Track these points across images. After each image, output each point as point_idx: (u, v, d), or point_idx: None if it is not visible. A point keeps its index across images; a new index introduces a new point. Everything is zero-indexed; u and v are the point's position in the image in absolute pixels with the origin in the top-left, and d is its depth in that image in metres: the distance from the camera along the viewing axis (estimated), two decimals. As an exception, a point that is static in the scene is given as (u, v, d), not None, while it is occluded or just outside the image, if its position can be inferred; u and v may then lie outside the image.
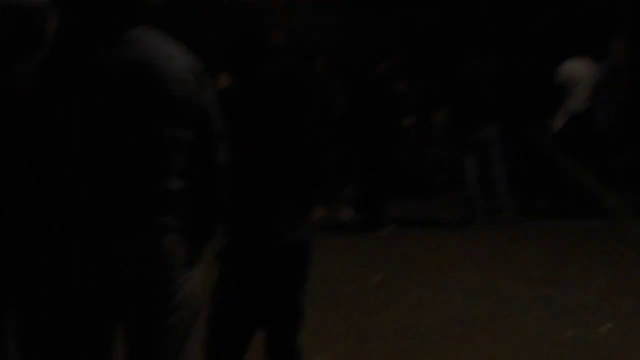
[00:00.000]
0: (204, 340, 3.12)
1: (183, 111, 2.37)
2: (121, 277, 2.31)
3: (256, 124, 3.17)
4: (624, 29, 9.05)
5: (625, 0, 9.91)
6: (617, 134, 8.42)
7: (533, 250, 6.83)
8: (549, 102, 8.06)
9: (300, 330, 3.33)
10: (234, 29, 3.34)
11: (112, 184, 2.30)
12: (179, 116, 2.37)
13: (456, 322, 4.97)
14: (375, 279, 5.95)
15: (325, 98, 7.87)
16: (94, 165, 2.29)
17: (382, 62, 8.27)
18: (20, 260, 2.40)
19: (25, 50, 2.52)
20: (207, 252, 2.66)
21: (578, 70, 7.99)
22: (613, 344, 4.57)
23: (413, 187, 9.62)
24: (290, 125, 3.21)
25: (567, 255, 6.62)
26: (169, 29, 2.48)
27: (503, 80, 8.08)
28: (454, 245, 7.09)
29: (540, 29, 10.04)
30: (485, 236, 7.42)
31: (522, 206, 8.13)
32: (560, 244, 7.06)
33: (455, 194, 8.46)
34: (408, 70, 9.26)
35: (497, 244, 7.12)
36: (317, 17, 10.86)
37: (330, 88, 8.20)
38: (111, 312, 2.34)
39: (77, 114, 2.28)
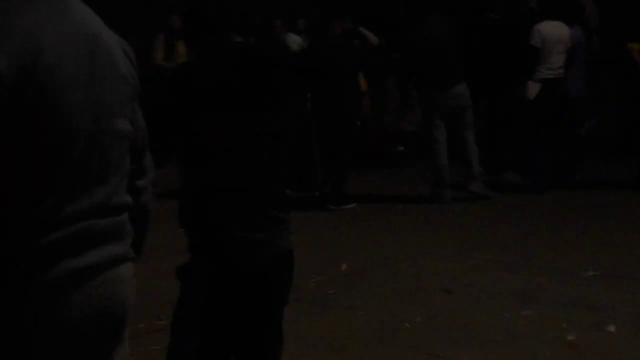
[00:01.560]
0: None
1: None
2: None
3: (229, 107, 2.54)
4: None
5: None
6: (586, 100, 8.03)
7: (511, 232, 6.29)
8: (521, 65, 7.50)
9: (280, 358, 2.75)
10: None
11: None
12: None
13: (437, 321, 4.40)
14: (342, 269, 5.35)
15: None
16: None
17: (337, 22, 7.59)
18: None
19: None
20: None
21: (554, 32, 7.43)
22: (619, 347, 4.06)
23: (374, 158, 9.09)
24: (271, 107, 2.58)
25: (547, 239, 6.09)
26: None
27: (469, 40, 7.55)
28: (426, 228, 6.51)
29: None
30: (458, 214, 6.88)
31: (493, 180, 7.64)
32: (537, 223, 6.55)
33: (420, 165, 7.93)
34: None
35: (472, 223, 6.57)
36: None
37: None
38: None
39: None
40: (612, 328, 4.22)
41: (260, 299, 2.70)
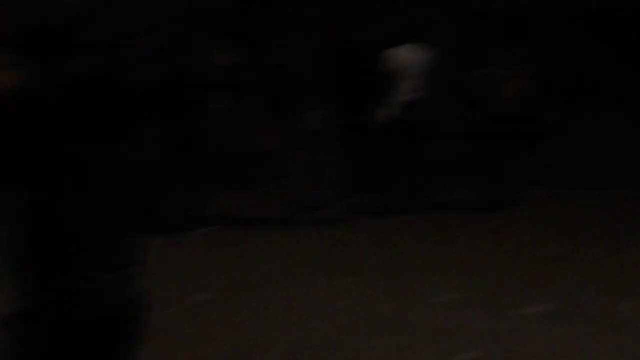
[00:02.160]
0: None
1: None
2: None
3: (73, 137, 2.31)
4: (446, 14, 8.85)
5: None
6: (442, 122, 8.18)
7: (374, 256, 6.24)
8: (375, 89, 7.57)
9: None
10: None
11: None
12: None
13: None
14: (195, 299, 5.10)
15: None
16: None
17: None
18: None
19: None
20: None
21: (409, 56, 7.54)
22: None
23: (232, 179, 8.89)
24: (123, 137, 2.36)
25: (409, 263, 6.08)
26: None
27: (327, 61, 7.52)
28: (289, 251, 6.36)
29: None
30: (321, 237, 6.78)
31: (352, 200, 7.63)
32: (400, 245, 6.55)
33: (277, 186, 7.81)
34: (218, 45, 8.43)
35: (334, 246, 6.49)
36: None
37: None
38: None
39: None
40: (473, 354, 4.21)
41: (104, 346, 2.46)
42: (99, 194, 2.34)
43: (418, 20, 8.18)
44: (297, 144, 7.17)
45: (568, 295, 5.11)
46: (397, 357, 4.20)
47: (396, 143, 7.59)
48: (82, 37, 2.30)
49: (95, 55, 2.32)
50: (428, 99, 7.83)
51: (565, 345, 4.33)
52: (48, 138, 2.27)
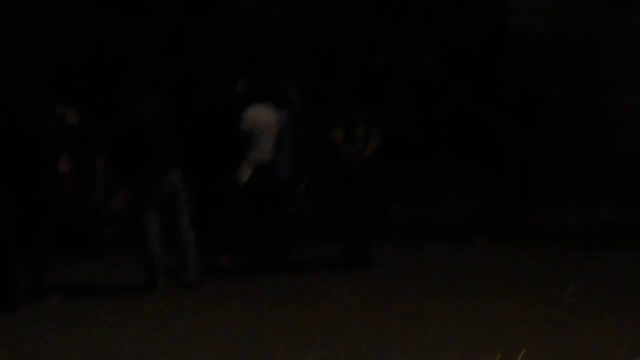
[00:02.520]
0: None
1: None
2: None
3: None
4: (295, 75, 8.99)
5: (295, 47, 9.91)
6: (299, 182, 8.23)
7: (230, 320, 6.07)
8: (231, 149, 7.51)
9: None
10: None
11: None
12: None
13: None
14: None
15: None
16: None
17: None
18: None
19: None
20: None
21: (263, 117, 7.56)
22: None
23: (78, 244, 8.49)
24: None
25: (272, 322, 5.96)
26: None
27: (181, 120, 7.39)
28: (142, 321, 6.05)
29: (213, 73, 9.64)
30: (173, 304, 6.52)
31: (210, 262, 7.46)
32: (258, 308, 6.42)
33: (131, 250, 7.51)
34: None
35: (191, 312, 6.25)
36: None
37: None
38: None
39: None
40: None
41: None
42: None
43: (271, 80, 8.26)
44: (151, 206, 6.93)
45: (428, 350, 5.15)
46: None
47: (252, 203, 7.54)
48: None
49: None
50: (284, 159, 7.86)
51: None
52: None
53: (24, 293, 6.35)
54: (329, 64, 9.81)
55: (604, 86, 9.32)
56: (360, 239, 7.77)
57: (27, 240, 6.47)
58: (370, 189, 7.81)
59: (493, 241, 8.33)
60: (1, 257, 6.31)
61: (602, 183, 8.93)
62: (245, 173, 7.50)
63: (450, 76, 9.37)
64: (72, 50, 9.96)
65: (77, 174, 8.94)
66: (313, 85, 9.51)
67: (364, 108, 7.84)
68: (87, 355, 5.12)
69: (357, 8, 10.22)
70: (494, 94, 9.12)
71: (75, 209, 8.89)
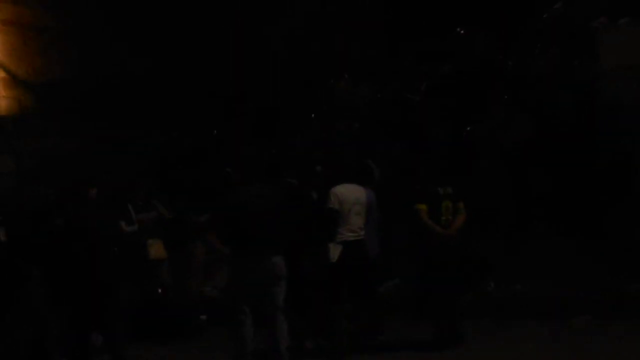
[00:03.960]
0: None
1: None
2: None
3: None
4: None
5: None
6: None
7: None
8: (321, 228, 7.45)
9: None
10: None
11: None
12: None
13: None
14: None
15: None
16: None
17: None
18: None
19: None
20: None
21: (350, 194, 7.49)
22: None
23: (174, 327, 8.63)
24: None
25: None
26: None
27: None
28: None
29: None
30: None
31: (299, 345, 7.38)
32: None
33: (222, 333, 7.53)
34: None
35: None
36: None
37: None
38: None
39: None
40: None
41: None
42: None
43: (355, 160, 8.25)
44: (246, 294, 6.86)
45: None
46: None
47: (342, 283, 7.42)
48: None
49: None
50: (372, 237, 7.76)
51: None
52: None
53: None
54: (416, 140, 9.74)
55: None
56: (451, 317, 7.51)
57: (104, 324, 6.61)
58: (460, 265, 7.58)
59: (594, 319, 7.86)
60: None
61: None
62: (335, 252, 7.40)
63: (542, 146, 9.12)
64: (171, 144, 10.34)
65: (175, 260, 9.24)
66: (400, 161, 9.46)
67: (449, 182, 7.68)
68: None
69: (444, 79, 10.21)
70: (588, 163, 8.80)
71: (174, 294, 9.10)
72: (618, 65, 8.33)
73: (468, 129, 9.76)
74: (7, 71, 9.43)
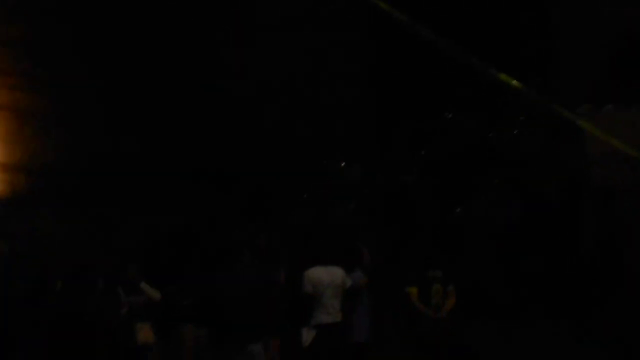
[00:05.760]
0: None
1: None
2: None
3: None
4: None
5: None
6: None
7: None
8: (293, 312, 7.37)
9: None
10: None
11: None
12: None
13: None
14: None
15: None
16: None
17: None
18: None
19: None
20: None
21: (325, 277, 7.42)
22: None
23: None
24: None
25: None
26: None
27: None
28: None
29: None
30: None
31: None
32: None
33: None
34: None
35: None
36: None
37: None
38: None
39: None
40: None
41: None
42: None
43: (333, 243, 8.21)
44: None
45: None
46: None
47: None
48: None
49: None
50: (362, 321, 7.71)
51: None
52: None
53: None
54: (408, 221, 9.78)
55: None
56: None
57: None
58: (448, 350, 7.53)
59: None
60: None
61: None
62: (308, 337, 7.28)
63: (532, 227, 9.15)
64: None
65: (163, 345, 9.13)
66: (389, 245, 9.47)
67: (439, 264, 7.69)
68: None
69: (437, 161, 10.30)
70: (578, 247, 8.82)
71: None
72: (602, 152, 8.42)
73: (458, 210, 9.82)
74: (1, 155, 9.54)
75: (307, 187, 11.09)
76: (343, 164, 11.05)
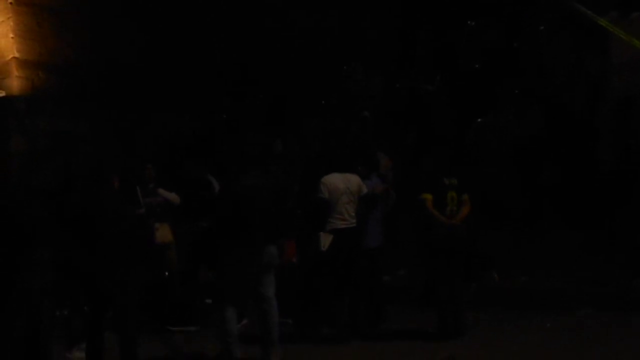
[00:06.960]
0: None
1: None
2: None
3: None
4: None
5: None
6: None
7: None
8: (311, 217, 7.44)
9: None
10: None
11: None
12: None
13: None
14: None
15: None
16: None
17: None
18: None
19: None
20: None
21: (340, 183, 7.47)
22: None
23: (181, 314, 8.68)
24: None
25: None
26: None
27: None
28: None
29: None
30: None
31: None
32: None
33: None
34: None
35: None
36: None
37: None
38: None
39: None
40: None
41: None
42: None
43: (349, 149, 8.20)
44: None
45: None
46: None
47: (335, 272, 7.41)
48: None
49: None
50: (376, 227, 7.75)
51: None
52: None
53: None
54: (425, 130, 9.74)
55: None
56: (455, 307, 7.51)
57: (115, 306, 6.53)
58: (464, 256, 7.57)
59: (597, 311, 7.84)
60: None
61: None
62: (325, 241, 7.39)
63: (552, 139, 9.09)
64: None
65: (181, 244, 9.26)
66: (409, 152, 9.46)
67: (456, 173, 7.66)
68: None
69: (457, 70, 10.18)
70: (597, 158, 8.76)
71: (180, 278, 9.14)
72: (629, 60, 8.28)
73: (479, 120, 9.74)
74: (20, 51, 9.47)
75: (326, 94, 11.03)
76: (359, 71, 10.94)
